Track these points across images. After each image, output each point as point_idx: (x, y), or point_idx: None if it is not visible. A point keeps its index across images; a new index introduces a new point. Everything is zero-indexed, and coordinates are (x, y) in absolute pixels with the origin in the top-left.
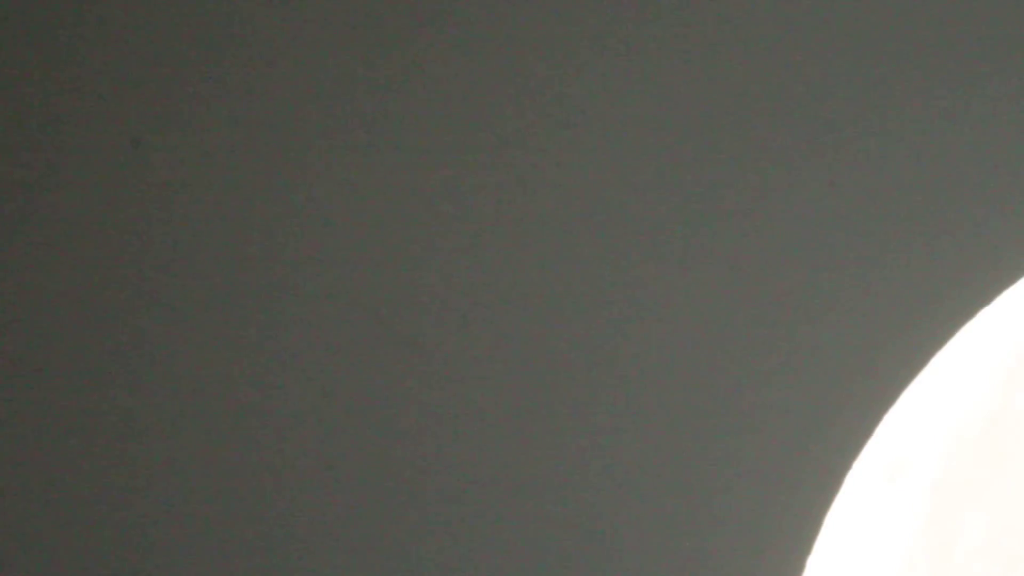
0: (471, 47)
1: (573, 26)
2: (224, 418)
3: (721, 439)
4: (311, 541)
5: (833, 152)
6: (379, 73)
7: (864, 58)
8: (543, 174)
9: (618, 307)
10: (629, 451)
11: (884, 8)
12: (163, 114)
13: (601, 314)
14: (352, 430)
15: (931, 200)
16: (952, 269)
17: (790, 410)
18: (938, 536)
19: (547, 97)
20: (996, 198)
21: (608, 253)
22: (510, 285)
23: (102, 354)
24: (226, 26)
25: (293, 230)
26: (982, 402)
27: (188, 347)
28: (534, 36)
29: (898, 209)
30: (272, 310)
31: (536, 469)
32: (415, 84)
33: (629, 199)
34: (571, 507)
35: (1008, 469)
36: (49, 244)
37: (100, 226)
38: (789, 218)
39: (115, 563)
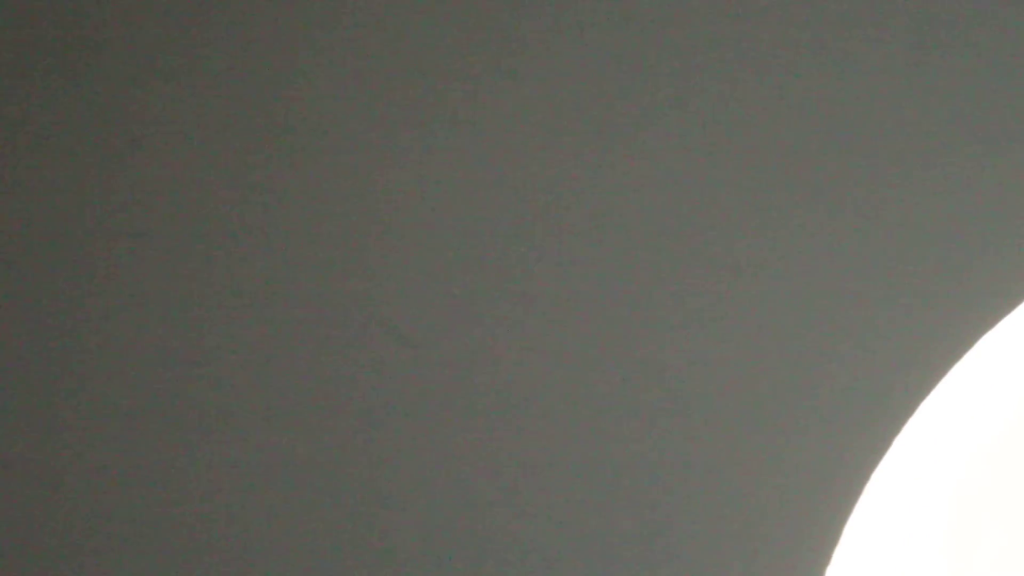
0: (476, 47)
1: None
2: (223, 418)
3: (739, 447)
4: (307, 542)
5: (853, 159)
6: (381, 73)
7: (900, 67)
8: (557, 173)
9: (641, 313)
10: (645, 459)
11: (902, 24)
12: (163, 114)
13: (625, 320)
14: (352, 430)
15: (951, 209)
16: (972, 278)
17: (808, 419)
18: (958, 545)
19: (557, 98)
20: (1019, 206)
21: (632, 258)
22: (526, 283)
23: (102, 354)
24: (227, 26)
25: (294, 230)
26: (1002, 411)
27: (185, 346)
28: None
29: (918, 218)
30: (272, 310)
31: (555, 473)
32: (419, 84)
33: (656, 206)
34: (587, 510)
35: None
36: (49, 244)
37: (100, 226)
38: (811, 227)
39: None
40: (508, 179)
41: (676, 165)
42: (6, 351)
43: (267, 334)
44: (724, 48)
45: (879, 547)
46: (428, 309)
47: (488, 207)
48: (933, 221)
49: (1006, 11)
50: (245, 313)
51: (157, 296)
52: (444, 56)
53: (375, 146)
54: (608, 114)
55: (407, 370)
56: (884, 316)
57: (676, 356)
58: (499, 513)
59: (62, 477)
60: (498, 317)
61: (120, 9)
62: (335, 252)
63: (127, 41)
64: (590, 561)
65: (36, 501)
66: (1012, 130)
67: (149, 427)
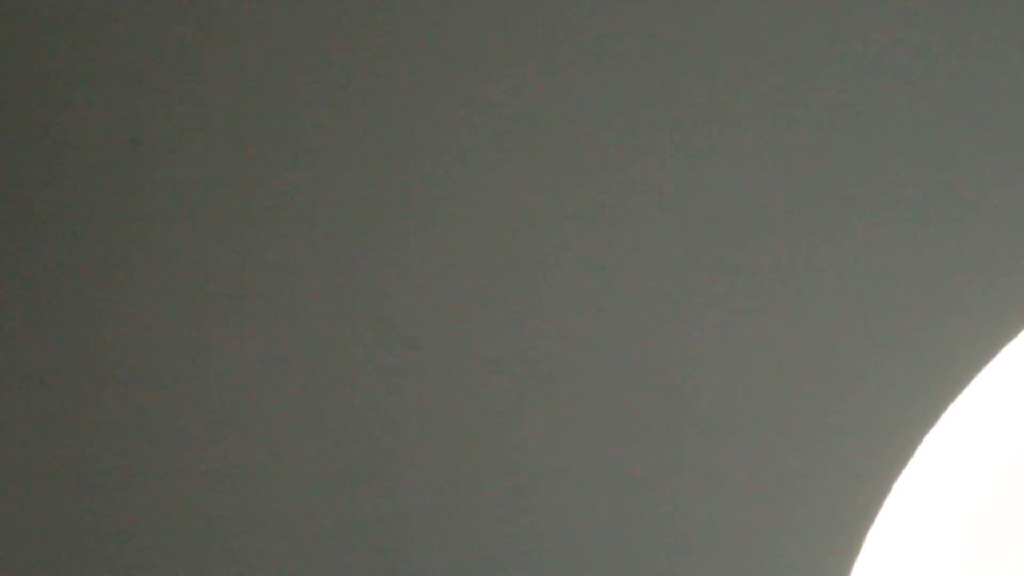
0: (476, 47)
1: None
2: (225, 420)
3: (760, 456)
4: (311, 544)
5: (881, 168)
6: (381, 73)
7: (892, 91)
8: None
9: (657, 318)
10: (662, 465)
11: (884, 77)
12: (163, 114)
13: (639, 324)
14: (351, 431)
15: (975, 218)
16: (996, 288)
17: (830, 429)
18: (980, 556)
19: (565, 99)
20: None
21: (646, 260)
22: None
23: (102, 354)
24: (226, 26)
25: (297, 231)
26: (1022, 426)
27: (187, 347)
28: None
29: (941, 228)
30: (275, 312)
31: (565, 479)
32: (419, 83)
33: (677, 207)
34: (598, 517)
35: None
36: (49, 244)
37: (100, 226)
38: (836, 236)
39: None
40: (515, 180)
41: (697, 170)
42: (7, 351)
43: (270, 336)
44: (751, 61)
45: (901, 557)
46: (433, 312)
47: (494, 208)
48: (956, 231)
49: None
50: (247, 315)
51: (159, 297)
52: (450, 55)
53: (378, 147)
54: (623, 115)
55: (411, 373)
56: (907, 326)
57: (693, 361)
58: (504, 516)
59: (62, 478)
60: (503, 320)
61: (120, 9)
62: (338, 254)
63: (127, 42)
64: (603, 569)
65: (38, 501)
66: None
67: (150, 430)
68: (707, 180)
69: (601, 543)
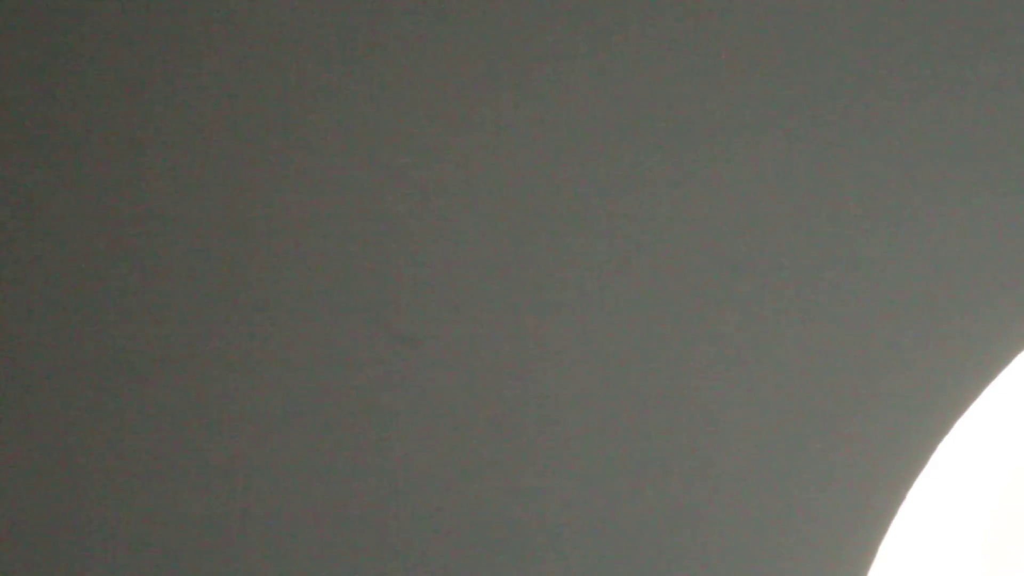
0: (470, 45)
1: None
2: (220, 419)
3: (774, 463)
4: (310, 542)
5: (891, 177)
6: (382, 72)
7: (921, 103)
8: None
9: (658, 321)
10: (670, 470)
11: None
12: (163, 114)
13: (645, 326)
14: (349, 430)
15: (993, 224)
16: (1011, 293)
17: (844, 435)
18: (993, 570)
19: (565, 102)
20: None
21: (644, 261)
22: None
23: (104, 356)
24: (228, 26)
25: (295, 230)
26: None
27: (186, 346)
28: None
29: (958, 234)
30: (272, 310)
31: (567, 478)
32: (420, 82)
33: (676, 212)
34: (602, 520)
35: None
36: (50, 244)
37: (100, 226)
38: (847, 243)
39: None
40: (516, 179)
41: (705, 175)
42: (6, 351)
43: (267, 334)
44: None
45: (915, 564)
46: (433, 312)
47: (496, 207)
48: (970, 238)
49: None
50: (246, 313)
51: (159, 297)
52: (451, 56)
53: (377, 147)
54: (629, 112)
55: (411, 373)
56: (921, 333)
57: (704, 368)
58: (506, 516)
59: (62, 478)
60: (504, 319)
61: (120, 9)
62: (339, 253)
63: (127, 42)
64: (609, 572)
65: (41, 500)
66: None
67: (149, 428)
68: (718, 188)
69: (607, 546)
